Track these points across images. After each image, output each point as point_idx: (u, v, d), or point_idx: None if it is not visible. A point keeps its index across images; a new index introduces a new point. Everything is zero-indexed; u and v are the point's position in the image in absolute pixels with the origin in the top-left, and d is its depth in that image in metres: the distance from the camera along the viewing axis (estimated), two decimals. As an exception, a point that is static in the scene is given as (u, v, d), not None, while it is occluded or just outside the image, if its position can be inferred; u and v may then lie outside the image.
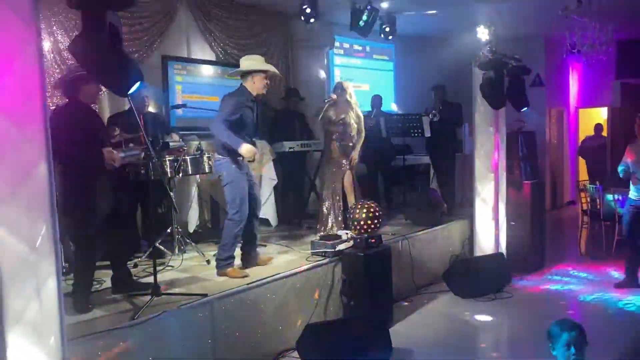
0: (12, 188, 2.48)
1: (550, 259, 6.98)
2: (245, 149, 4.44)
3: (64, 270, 4.13)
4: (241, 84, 4.66)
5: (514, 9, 7.38)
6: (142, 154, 4.39)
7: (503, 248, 6.47)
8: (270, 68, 4.78)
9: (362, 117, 6.01)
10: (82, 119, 3.83)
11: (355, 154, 5.98)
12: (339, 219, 5.88)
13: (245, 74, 4.63)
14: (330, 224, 5.86)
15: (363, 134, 6.01)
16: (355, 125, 5.87)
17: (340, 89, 5.86)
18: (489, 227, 6.44)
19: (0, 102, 2.44)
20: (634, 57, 10.45)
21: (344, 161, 5.91)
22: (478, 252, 6.44)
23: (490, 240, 6.44)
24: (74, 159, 3.66)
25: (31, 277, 2.55)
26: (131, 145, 4.42)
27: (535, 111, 8.93)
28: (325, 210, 5.93)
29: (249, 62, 4.71)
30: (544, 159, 10.15)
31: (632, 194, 5.71)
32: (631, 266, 5.83)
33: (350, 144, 5.91)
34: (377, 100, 7.86)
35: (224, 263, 4.56)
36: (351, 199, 5.90)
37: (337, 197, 5.91)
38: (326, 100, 5.89)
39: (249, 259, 4.78)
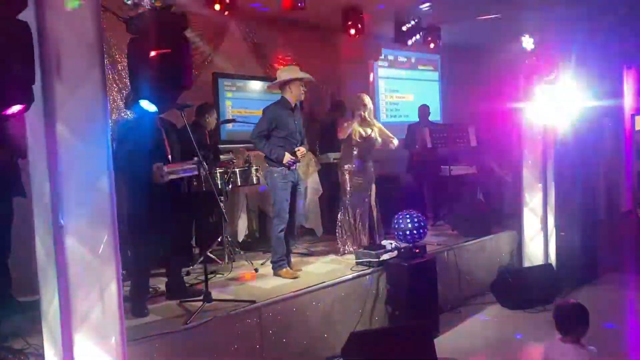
0: (79, 199, 2.67)
1: (604, 271, 6.77)
2: (286, 158, 4.78)
3: (123, 276, 4.35)
4: (281, 95, 4.95)
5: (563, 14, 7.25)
6: (194, 172, 4.34)
7: (553, 259, 6.34)
8: (304, 75, 4.98)
9: (382, 127, 5.81)
10: (144, 133, 4.03)
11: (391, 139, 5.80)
12: (362, 235, 5.64)
13: (283, 85, 4.90)
14: (349, 243, 5.61)
15: (395, 141, 5.78)
16: (380, 140, 5.66)
17: (361, 104, 5.57)
18: (538, 237, 6.34)
19: (68, 121, 2.64)
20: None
21: (366, 177, 5.68)
22: (527, 263, 6.34)
23: (539, 250, 6.33)
24: (131, 172, 3.90)
25: (95, 282, 2.72)
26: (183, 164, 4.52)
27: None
28: (345, 228, 5.66)
29: (284, 73, 4.99)
30: (600, 166, 9.81)
31: None
32: None
33: (370, 160, 5.72)
34: (424, 110, 7.87)
35: (275, 265, 4.90)
36: (374, 214, 5.78)
37: (361, 214, 5.65)
38: (355, 118, 5.59)
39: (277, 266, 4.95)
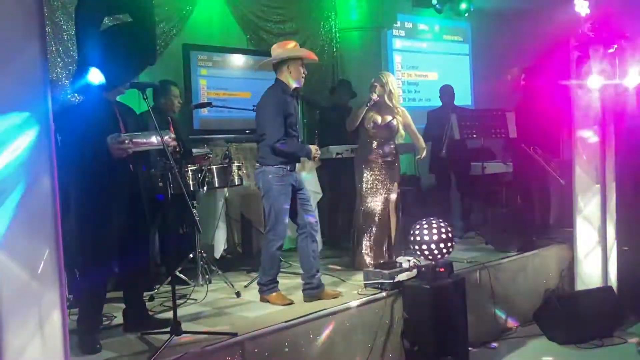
0: (12, 204, 2.63)
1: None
2: (313, 150, 4.94)
3: (68, 302, 4.35)
4: (276, 78, 4.90)
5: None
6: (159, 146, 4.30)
7: (613, 281, 6.35)
8: (307, 53, 5.03)
9: (408, 114, 5.93)
10: (94, 121, 4.03)
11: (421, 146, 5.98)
12: (382, 248, 5.82)
13: (279, 64, 4.86)
14: (364, 255, 5.80)
15: (423, 146, 6.00)
16: (404, 133, 5.82)
17: (379, 84, 5.70)
18: (595, 253, 6.34)
19: (8, 102, 2.62)
20: None
21: (388, 176, 5.83)
22: (580, 286, 6.35)
23: (597, 270, 6.33)
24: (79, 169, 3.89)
25: (33, 309, 2.69)
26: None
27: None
28: (358, 239, 5.87)
29: (280, 50, 4.93)
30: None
31: None
32: None
33: (394, 155, 5.87)
34: (447, 92, 7.85)
35: (265, 288, 4.87)
36: (393, 222, 5.87)
37: (379, 221, 5.80)
38: (368, 103, 5.68)
39: (311, 290, 4.91)
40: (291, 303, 4.77)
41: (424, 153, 6.03)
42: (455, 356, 4.89)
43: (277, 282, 4.93)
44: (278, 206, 4.80)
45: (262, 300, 4.88)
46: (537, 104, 7.19)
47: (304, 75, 4.96)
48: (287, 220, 4.86)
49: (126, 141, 4.01)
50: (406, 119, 5.89)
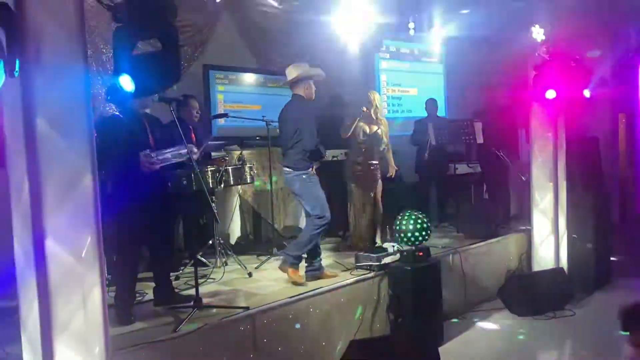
0: (60, 199, 2.64)
1: (618, 276, 6.79)
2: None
3: (107, 282, 4.34)
4: (294, 93, 4.90)
5: (575, 4, 7.25)
6: (184, 158, 4.39)
7: (564, 263, 6.35)
8: (321, 72, 5.02)
9: (387, 125, 6.08)
10: (126, 129, 4.03)
11: (392, 166, 6.09)
12: (370, 230, 5.93)
13: (298, 82, 4.85)
14: (356, 236, 5.93)
15: (392, 159, 6.14)
16: (386, 140, 5.94)
17: (367, 101, 5.83)
18: (549, 240, 6.34)
19: (48, 115, 2.61)
20: None
21: (376, 175, 5.95)
22: (536, 267, 6.36)
23: (550, 254, 6.33)
24: (115, 170, 3.88)
25: (77, 288, 2.69)
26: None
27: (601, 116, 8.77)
28: (359, 224, 5.97)
29: (299, 70, 4.90)
30: (613, 168, 9.86)
31: None
32: None
33: (376, 160, 5.94)
34: (431, 104, 7.84)
35: (291, 260, 4.74)
36: (379, 212, 5.99)
37: (368, 210, 5.91)
38: (360, 115, 5.82)
39: (313, 272, 4.89)
40: (303, 284, 4.66)
41: (393, 172, 6.12)
42: (432, 326, 4.89)
43: (301, 260, 4.84)
44: (321, 198, 4.81)
45: (282, 270, 4.76)
46: (501, 115, 7.21)
47: (314, 91, 4.97)
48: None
49: (155, 162, 4.04)
50: (387, 128, 6.02)
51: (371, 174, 5.90)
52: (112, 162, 3.86)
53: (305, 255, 4.85)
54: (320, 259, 4.95)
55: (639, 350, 2.83)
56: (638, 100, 11.17)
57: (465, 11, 7.69)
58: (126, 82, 2.95)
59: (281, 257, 4.94)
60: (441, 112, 8.31)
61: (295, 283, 4.69)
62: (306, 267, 4.90)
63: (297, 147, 4.77)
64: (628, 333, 2.85)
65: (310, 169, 4.86)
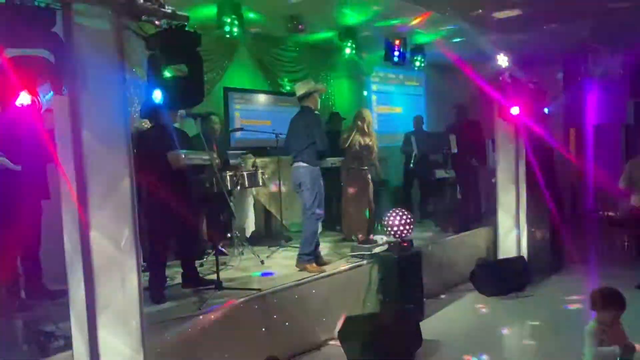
0: (103, 197, 2.63)
1: (569, 262, 6.73)
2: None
3: (142, 267, 4.33)
4: (302, 105, 4.83)
5: (533, 38, 7.27)
6: (207, 162, 4.39)
7: (524, 251, 6.31)
8: (319, 86, 5.10)
9: (377, 140, 6.02)
10: (159, 140, 4.02)
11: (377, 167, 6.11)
12: (361, 224, 5.83)
13: (307, 95, 4.80)
14: (355, 231, 5.81)
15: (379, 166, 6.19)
16: (376, 150, 5.92)
17: (360, 117, 5.82)
18: (511, 233, 6.31)
19: (93, 128, 2.60)
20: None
21: (367, 178, 5.92)
22: (501, 255, 6.31)
23: (512, 244, 6.30)
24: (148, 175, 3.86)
25: (117, 272, 2.68)
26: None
27: (555, 130, 8.75)
28: (352, 219, 5.93)
29: (307, 85, 4.89)
30: (565, 173, 9.85)
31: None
32: None
33: (369, 166, 5.95)
34: (418, 120, 7.86)
35: (306, 258, 4.65)
36: (372, 210, 5.95)
37: (357, 208, 5.88)
38: (353, 130, 5.84)
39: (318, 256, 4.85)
40: (323, 271, 4.57)
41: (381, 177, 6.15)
42: (414, 304, 4.86)
43: (314, 253, 4.73)
44: (322, 191, 4.76)
45: (300, 268, 4.61)
46: (472, 128, 7.19)
47: (318, 101, 4.95)
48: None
49: (182, 156, 4.03)
50: (376, 140, 5.98)
51: (362, 178, 5.88)
52: (147, 167, 3.83)
53: (312, 247, 4.71)
54: (313, 252, 4.76)
55: (601, 327, 2.86)
56: (585, 117, 11.16)
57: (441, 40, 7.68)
58: (158, 96, 2.93)
59: (284, 248, 4.88)
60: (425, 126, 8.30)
61: (316, 272, 4.55)
62: (298, 253, 4.74)
63: (312, 148, 4.70)
64: (595, 312, 2.90)
65: (319, 167, 4.81)
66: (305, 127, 4.75)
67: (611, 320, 2.87)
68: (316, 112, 4.88)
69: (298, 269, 4.65)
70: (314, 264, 4.67)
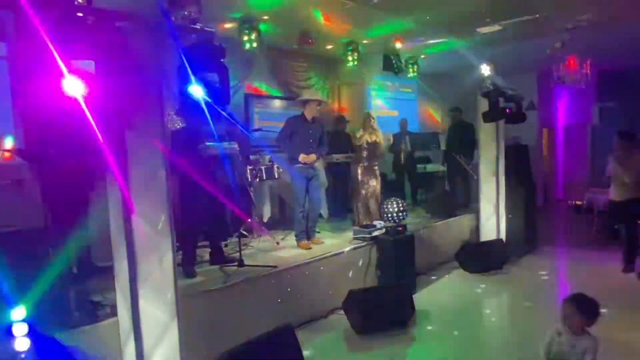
0: (144, 187, 2.63)
1: (541, 244, 6.70)
2: (301, 157, 4.70)
3: (176, 247, 4.32)
4: (302, 111, 4.87)
5: (512, 50, 7.18)
6: (232, 152, 4.38)
7: (503, 234, 6.27)
8: (317, 97, 4.98)
9: (382, 137, 5.97)
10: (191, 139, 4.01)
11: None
12: (370, 213, 5.81)
13: (304, 102, 4.81)
14: (363, 216, 5.81)
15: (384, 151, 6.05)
16: (383, 144, 5.86)
17: (369, 118, 5.82)
18: (492, 219, 6.26)
19: (134, 129, 2.59)
20: (611, 84, 9.88)
21: (374, 169, 5.85)
22: (483, 238, 6.26)
23: (493, 228, 6.25)
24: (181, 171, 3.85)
25: (155, 251, 2.68)
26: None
27: (530, 130, 8.66)
28: (360, 206, 5.89)
29: (305, 94, 4.97)
30: (539, 166, 9.78)
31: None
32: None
33: (377, 161, 5.88)
34: (404, 123, 7.78)
35: (296, 238, 4.82)
36: (377, 202, 5.84)
37: (369, 197, 5.82)
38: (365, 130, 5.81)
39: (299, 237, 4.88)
40: (310, 249, 4.68)
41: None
42: (408, 280, 4.85)
43: (303, 233, 4.82)
44: (298, 189, 4.78)
45: (297, 245, 4.78)
46: (463, 129, 7.13)
47: (317, 111, 4.87)
48: (304, 195, 4.81)
49: (209, 146, 4.02)
50: (382, 137, 5.90)
51: (372, 172, 5.79)
52: (179, 160, 3.82)
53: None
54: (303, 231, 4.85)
55: (567, 329, 2.50)
56: (556, 119, 11.03)
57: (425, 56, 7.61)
58: (196, 90, 2.91)
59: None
60: (415, 127, 8.25)
61: (306, 249, 4.66)
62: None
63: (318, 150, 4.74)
64: (563, 317, 2.51)
65: (300, 165, 4.75)
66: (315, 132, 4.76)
67: (579, 327, 2.47)
68: (308, 118, 4.78)
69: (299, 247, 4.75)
70: (304, 242, 4.75)
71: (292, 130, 4.78)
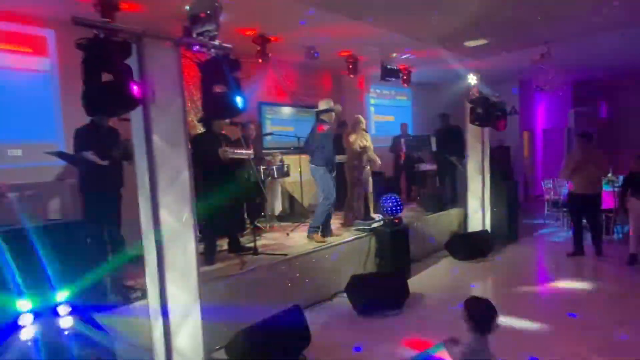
0: (169, 184, 2.65)
1: (522, 235, 6.66)
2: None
3: (198, 238, 4.34)
4: (320, 118, 4.73)
5: (496, 61, 7.13)
6: (249, 156, 4.37)
7: (488, 226, 6.23)
8: (340, 108, 4.91)
9: (372, 148, 5.75)
10: (209, 143, 4.03)
11: (377, 160, 5.78)
12: (361, 211, 5.61)
13: (326, 112, 4.72)
14: (356, 212, 5.62)
15: (378, 162, 5.73)
16: (372, 148, 5.64)
17: (359, 122, 5.61)
18: (478, 212, 6.22)
19: (161, 133, 2.60)
20: (585, 92, 9.79)
21: (367, 170, 5.71)
22: (470, 229, 6.23)
23: (479, 220, 6.21)
24: (202, 169, 3.86)
25: (179, 241, 2.71)
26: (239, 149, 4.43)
27: (512, 133, 8.58)
28: (355, 204, 5.69)
29: (328, 104, 4.77)
30: (520, 166, 9.71)
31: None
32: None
33: (369, 160, 5.68)
34: (404, 127, 7.75)
35: (313, 230, 4.67)
36: (369, 199, 5.76)
37: (362, 195, 5.66)
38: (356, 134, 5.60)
39: (326, 231, 4.80)
40: (324, 242, 4.55)
41: (379, 163, 5.74)
42: (403, 266, 4.84)
43: (319, 229, 4.71)
44: (330, 185, 4.68)
45: (309, 237, 4.64)
46: (452, 132, 7.08)
47: (334, 119, 4.84)
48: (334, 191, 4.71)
49: (228, 151, 4.02)
50: (370, 140, 5.73)
51: (362, 173, 5.59)
52: (200, 163, 3.84)
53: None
54: (319, 227, 4.72)
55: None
56: (536, 122, 10.93)
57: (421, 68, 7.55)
58: (215, 101, 2.91)
59: (304, 223, 4.84)
60: (409, 130, 8.21)
61: (318, 242, 4.59)
62: (309, 226, 4.74)
63: (321, 153, 4.66)
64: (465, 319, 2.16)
65: (324, 167, 4.72)
66: (320, 136, 4.65)
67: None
68: (328, 126, 4.70)
69: (308, 239, 4.66)
70: (319, 235, 4.65)
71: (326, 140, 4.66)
